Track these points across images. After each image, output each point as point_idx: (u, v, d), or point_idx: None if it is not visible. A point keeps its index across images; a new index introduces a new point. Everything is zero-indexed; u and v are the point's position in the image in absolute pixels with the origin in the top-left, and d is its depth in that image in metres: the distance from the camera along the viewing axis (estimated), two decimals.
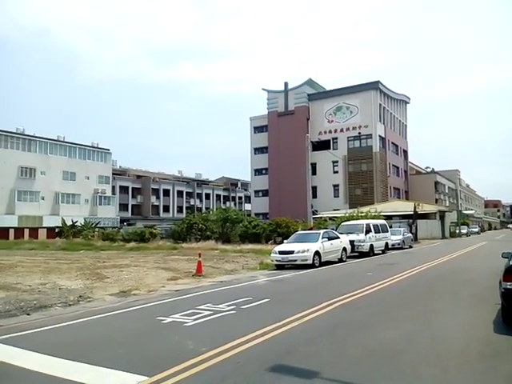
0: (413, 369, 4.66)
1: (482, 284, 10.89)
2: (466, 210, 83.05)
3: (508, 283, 6.29)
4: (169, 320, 7.39)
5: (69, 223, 45.08)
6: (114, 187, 67.05)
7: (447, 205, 68.18)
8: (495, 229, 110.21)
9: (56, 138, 59.93)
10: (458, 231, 54.02)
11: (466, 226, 60.66)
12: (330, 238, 18.33)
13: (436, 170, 79.03)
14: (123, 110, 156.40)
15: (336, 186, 58.32)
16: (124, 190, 70.62)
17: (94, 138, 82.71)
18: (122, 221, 62.71)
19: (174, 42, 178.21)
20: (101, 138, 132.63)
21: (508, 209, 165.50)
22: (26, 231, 49.32)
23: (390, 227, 28.71)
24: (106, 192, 63.41)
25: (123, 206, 69.47)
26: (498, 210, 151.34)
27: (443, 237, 46.73)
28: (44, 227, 51.94)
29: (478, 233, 65.89)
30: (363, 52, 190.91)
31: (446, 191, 76.33)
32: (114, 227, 50.79)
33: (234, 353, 5.29)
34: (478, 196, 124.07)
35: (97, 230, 43.57)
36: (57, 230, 46.85)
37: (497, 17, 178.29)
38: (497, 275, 7.51)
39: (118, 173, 72.61)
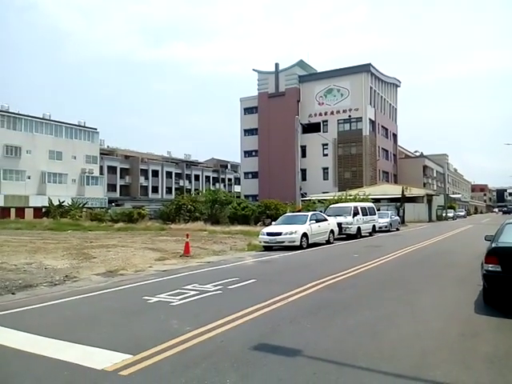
0: (393, 348, 4.74)
1: (466, 266, 11.07)
2: (454, 193, 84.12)
3: (490, 265, 6.40)
4: (155, 300, 7.40)
5: (56, 203, 44.59)
6: (101, 167, 66.29)
7: (435, 189, 68.89)
8: (481, 213, 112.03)
9: (42, 117, 58.73)
10: (444, 215, 54.76)
11: (452, 210, 61.50)
12: (317, 221, 18.43)
13: (425, 154, 79.59)
14: (111, 88, 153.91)
15: (325, 169, 58.46)
16: (112, 170, 69.86)
17: (81, 117, 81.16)
18: (110, 201, 62.22)
19: (165, 20, 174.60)
20: (88, 117, 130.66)
21: (494, 193, 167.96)
22: (13, 211, 48.71)
23: (378, 210, 28.94)
24: (93, 172, 62.69)
25: (111, 187, 68.83)
26: (485, 194, 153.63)
27: (430, 220, 47.38)
28: (30, 207, 51.33)
29: (464, 216, 66.89)
30: (355, 34, 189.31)
31: (434, 175, 77.05)
32: (102, 208, 50.39)
33: (219, 332, 5.33)
34: (466, 180, 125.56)
35: (84, 210, 43.18)
36: (44, 210, 46.35)
37: (492, 5, 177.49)
38: (480, 257, 7.62)
39: (106, 153, 71.69)
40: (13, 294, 8.32)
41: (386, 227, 28.45)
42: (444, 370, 4.07)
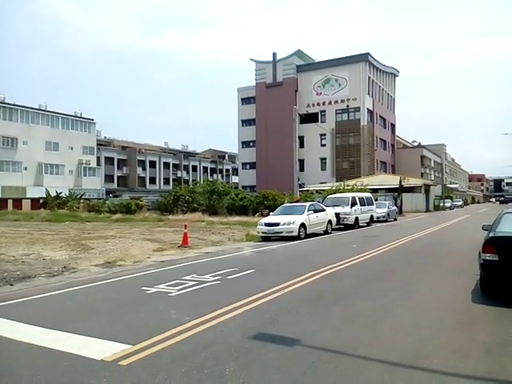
0: (391, 337, 4.77)
1: (463, 256, 11.12)
2: (451, 183, 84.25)
3: (487, 254, 6.42)
4: (153, 290, 7.41)
5: (53, 194, 44.42)
6: (98, 158, 65.93)
7: (432, 179, 68.97)
8: (478, 202, 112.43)
9: (38, 107, 58.26)
10: (441, 204, 54.90)
11: (449, 200, 61.67)
12: (315, 211, 18.45)
13: (422, 144, 79.52)
14: (108, 79, 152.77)
15: (323, 159, 58.34)
16: (109, 161, 69.51)
17: (78, 108, 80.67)
18: (108, 192, 62.03)
19: (161, 9, 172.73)
20: (84, 107, 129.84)
21: (491, 183, 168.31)
22: (10, 202, 48.48)
23: (376, 200, 28.99)
24: (90, 163, 62.36)
25: (109, 178, 68.55)
26: (482, 184, 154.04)
27: (427, 210, 47.51)
28: (28, 198, 51.12)
29: (461, 206, 67.05)
30: (354, 24, 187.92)
31: (432, 165, 77.05)
32: (100, 199, 50.26)
33: (218, 322, 5.35)
34: (463, 170, 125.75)
35: (82, 201, 43.07)
36: (41, 201, 46.20)
37: None
38: (477, 247, 7.65)
39: (103, 143, 71.25)
40: (11, 285, 8.32)
41: (383, 217, 28.52)
42: (442, 358, 4.09)
